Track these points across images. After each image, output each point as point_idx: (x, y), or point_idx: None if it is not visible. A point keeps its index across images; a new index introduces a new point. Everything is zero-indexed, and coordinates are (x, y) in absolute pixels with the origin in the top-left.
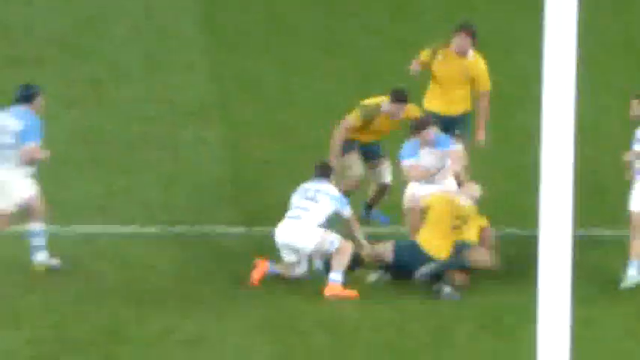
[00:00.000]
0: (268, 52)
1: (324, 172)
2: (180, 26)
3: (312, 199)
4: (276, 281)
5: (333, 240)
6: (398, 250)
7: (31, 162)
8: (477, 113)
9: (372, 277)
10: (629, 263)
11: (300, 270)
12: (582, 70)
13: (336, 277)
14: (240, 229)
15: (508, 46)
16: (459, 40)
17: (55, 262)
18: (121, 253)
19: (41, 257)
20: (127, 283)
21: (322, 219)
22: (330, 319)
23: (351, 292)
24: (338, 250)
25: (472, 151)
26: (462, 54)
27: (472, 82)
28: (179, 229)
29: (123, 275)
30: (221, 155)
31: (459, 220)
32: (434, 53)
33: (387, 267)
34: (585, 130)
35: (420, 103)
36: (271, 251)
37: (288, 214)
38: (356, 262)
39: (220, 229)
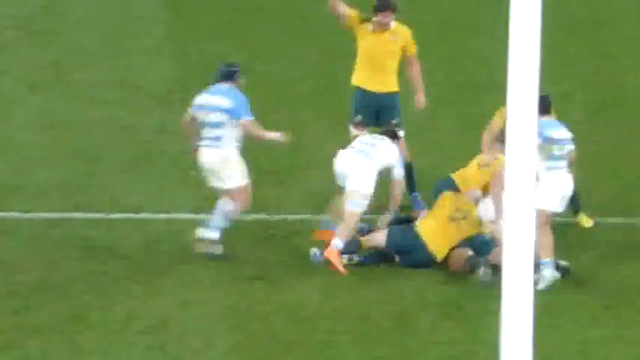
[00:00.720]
0: (232, 34)
1: (391, 134)
2: (143, 8)
3: (373, 145)
4: (239, 268)
5: (362, 200)
6: (391, 235)
7: (258, 137)
8: (412, 79)
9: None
10: (540, 263)
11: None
12: (545, 56)
13: (337, 242)
14: (204, 216)
15: (471, 33)
16: (385, 18)
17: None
18: (84, 239)
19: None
20: (90, 270)
21: (378, 167)
22: (292, 305)
23: (343, 269)
24: (346, 215)
25: (437, 138)
26: (387, 28)
27: (399, 51)
28: (143, 215)
29: (86, 261)
30: (185, 140)
31: (459, 213)
32: (360, 19)
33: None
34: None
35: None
36: (233, 237)
37: (355, 146)
38: (355, 247)
39: (184, 215)
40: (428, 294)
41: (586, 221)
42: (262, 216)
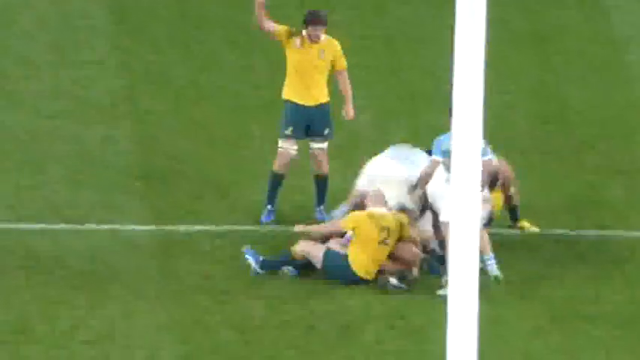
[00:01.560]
0: (178, 45)
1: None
2: (88, 18)
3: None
4: (185, 279)
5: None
6: (327, 258)
7: None
8: (342, 90)
9: (283, 270)
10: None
11: None
12: (490, 66)
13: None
14: (149, 227)
15: (417, 45)
16: (315, 31)
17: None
18: (29, 250)
19: None
20: (35, 280)
21: None
22: (238, 317)
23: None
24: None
25: (384, 149)
26: (317, 41)
27: (329, 65)
28: (88, 226)
29: (31, 272)
30: (130, 151)
31: (384, 233)
32: (288, 33)
33: (300, 265)
34: (493, 126)
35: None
36: (179, 248)
37: None
38: (286, 257)
39: (129, 226)
40: (374, 305)
41: (528, 226)
42: (207, 227)
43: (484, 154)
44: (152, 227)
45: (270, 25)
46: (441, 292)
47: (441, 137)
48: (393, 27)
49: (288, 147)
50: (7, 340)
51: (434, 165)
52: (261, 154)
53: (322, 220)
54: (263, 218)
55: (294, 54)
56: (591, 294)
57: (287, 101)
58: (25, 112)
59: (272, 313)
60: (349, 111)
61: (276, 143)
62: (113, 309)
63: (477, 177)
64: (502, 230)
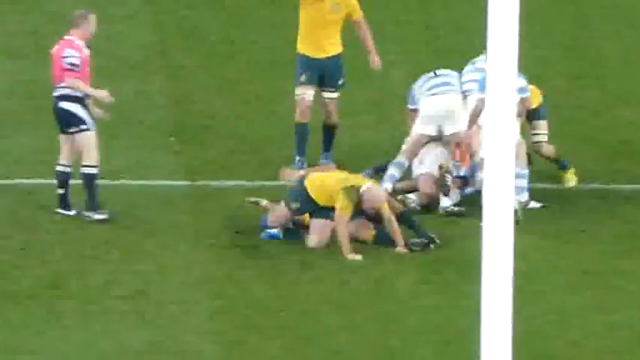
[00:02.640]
0: (210, 1)
1: None
2: None
3: None
4: (217, 234)
5: None
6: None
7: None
8: (363, 40)
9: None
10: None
11: None
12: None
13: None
14: (182, 182)
15: (449, 0)
16: None
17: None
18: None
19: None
20: (69, 236)
21: None
22: (271, 272)
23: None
24: None
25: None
26: None
27: (343, 17)
28: (121, 181)
29: (64, 228)
30: (163, 106)
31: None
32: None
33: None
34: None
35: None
36: (212, 204)
37: None
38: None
39: (163, 181)
40: (406, 260)
41: (571, 179)
42: (240, 182)
43: (522, 92)
44: (185, 182)
45: None
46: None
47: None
48: None
49: (303, 93)
50: (42, 295)
51: (483, 103)
52: (294, 111)
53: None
54: (297, 168)
55: (307, 8)
56: (626, 248)
57: (300, 54)
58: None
59: (305, 268)
60: (375, 60)
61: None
62: (147, 264)
63: (510, 133)
64: (537, 184)
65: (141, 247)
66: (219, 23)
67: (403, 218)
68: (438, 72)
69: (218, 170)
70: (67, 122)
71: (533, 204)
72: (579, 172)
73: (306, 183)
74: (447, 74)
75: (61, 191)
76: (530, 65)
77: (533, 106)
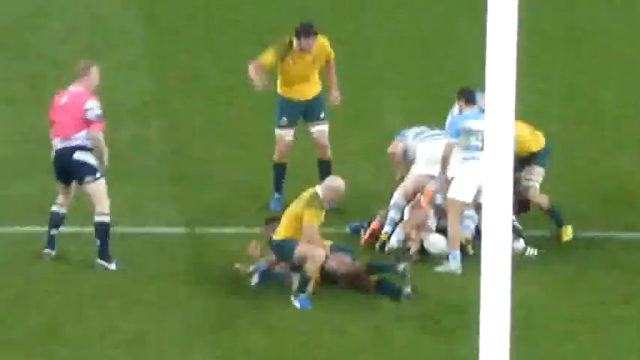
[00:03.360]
0: (208, 47)
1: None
2: (120, 21)
3: None
4: (216, 281)
5: None
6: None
7: None
8: (328, 76)
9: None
10: (450, 253)
11: None
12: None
13: None
14: (180, 229)
15: (448, 46)
16: (309, 42)
17: None
18: (61, 254)
19: None
20: (67, 284)
21: None
22: (269, 320)
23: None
24: None
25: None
26: (309, 50)
27: (322, 63)
28: (119, 228)
29: (62, 275)
30: (161, 153)
31: None
32: (280, 57)
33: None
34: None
35: None
36: (210, 250)
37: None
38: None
39: (161, 229)
40: (405, 307)
41: (566, 235)
42: (239, 229)
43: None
44: (183, 230)
45: (264, 68)
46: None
47: (455, 118)
48: (425, 29)
49: (284, 134)
50: (39, 343)
51: (450, 148)
52: (291, 156)
53: None
54: (272, 205)
55: (288, 67)
56: (623, 296)
57: (280, 96)
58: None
59: (304, 316)
60: (336, 96)
61: (308, 145)
62: (145, 312)
63: (509, 175)
64: (535, 232)
65: (139, 295)
66: (217, 69)
67: (373, 269)
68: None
69: (216, 217)
70: (83, 172)
71: (530, 251)
72: (576, 220)
73: (275, 237)
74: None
75: (53, 232)
76: (528, 111)
77: (533, 149)
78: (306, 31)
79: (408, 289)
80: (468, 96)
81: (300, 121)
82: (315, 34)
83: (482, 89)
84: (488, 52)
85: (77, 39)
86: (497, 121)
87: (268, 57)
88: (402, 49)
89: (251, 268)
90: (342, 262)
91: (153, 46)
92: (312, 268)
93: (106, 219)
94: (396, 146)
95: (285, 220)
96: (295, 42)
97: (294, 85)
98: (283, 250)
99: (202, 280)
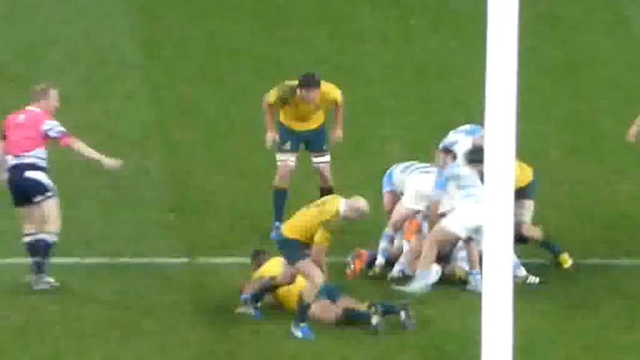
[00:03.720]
0: (208, 77)
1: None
2: (118, 52)
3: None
4: (216, 312)
5: None
6: None
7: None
8: (334, 117)
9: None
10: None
11: None
12: (521, 98)
13: None
14: (182, 259)
15: (447, 74)
16: (310, 94)
17: None
18: (62, 284)
19: None
20: (68, 315)
21: None
22: (271, 349)
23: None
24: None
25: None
26: (310, 102)
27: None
28: (120, 259)
29: (63, 306)
30: (162, 183)
31: None
32: (282, 101)
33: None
34: (524, 157)
35: None
36: (212, 281)
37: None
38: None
39: (162, 259)
40: (407, 334)
41: (565, 261)
42: (240, 259)
43: None
44: (184, 260)
45: (273, 109)
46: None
47: (440, 170)
48: (423, 57)
49: (286, 159)
50: None
51: (436, 206)
52: (293, 185)
53: None
54: (273, 235)
55: (290, 109)
56: (625, 323)
57: (282, 124)
58: (57, 146)
59: (305, 345)
60: (338, 135)
61: (309, 174)
62: (146, 343)
63: (509, 202)
64: (535, 260)
65: (140, 326)
66: (217, 99)
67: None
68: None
69: (217, 246)
70: (34, 191)
71: (532, 279)
72: (577, 247)
73: (282, 230)
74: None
75: (40, 259)
76: (529, 139)
77: (522, 184)
78: (306, 85)
79: (375, 320)
80: (454, 153)
81: (302, 148)
82: (317, 87)
83: (481, 122)
84: (487, 82)
85: (76, 70)
86: (498, 149)
87: (273, 97)
88: (401, 79)
89: (241, 302)
90: (325, 310)
91: (152, 76)
92: (309, 294)
93: (51, 238)
94: (387, 201)
95: (297, 220)
96: (298, 90)
97: (297, 121)
98: (290, 248)
99: (203, 310)
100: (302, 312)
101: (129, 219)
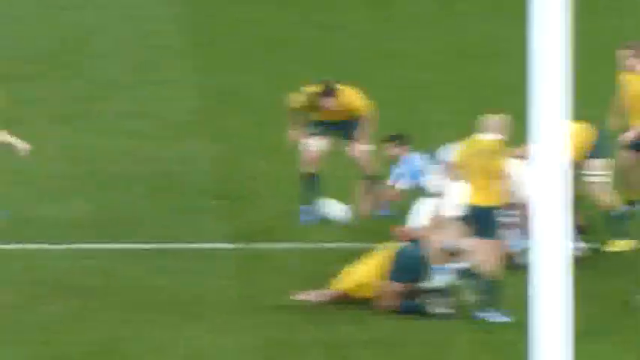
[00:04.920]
0: (256, 64)
1: None
2: (166, 38)
3: None
4: (276, 297)
5: None
6: None
7: None
8: (358, 129)
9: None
10: None
11: None
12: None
13: None
14: (230, 245)
15: (490, 57)
16: (327, 102)
17: None
18: (115, 270)
19: None
20: (122, 300)
21: None
22: (325, 334)
23: None
24: None
25: None
26: (330, 109)
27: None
28: (170, 245)
29: (117, 292)
30: (208, 170)
31: None
32: (309, 102)
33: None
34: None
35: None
36: (261, 266)
37: None
38: None
39: (210, 244)
40: (459, 320)
41: (616, 245)
42: (289, 245)
43: None
44: (233, 245)
45: (291, 115)
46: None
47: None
48: (466, 37)
49: (310, 142)
50: (95, 359)
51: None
52: (338, 173)
53: None
54: (302, 218)
55: (315, 113)
56: None
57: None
58: (107, 133)
59: (360, 329)
60: (361, 150)
61: (352, 163)
62: (201, 328)
63: (562, 198)
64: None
65: (194, 311)
66: (262, 85)
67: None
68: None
69: (264, 232)
70: None
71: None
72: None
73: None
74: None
75: None
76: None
77: (588, 147)
78: (323, 92)
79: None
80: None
81: (334, 137)
82: (330, 96)
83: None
84: (533, 63)
85: (125, 57)
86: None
87: (296, 103)
88: (449, 63)
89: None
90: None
91: (200, 63)
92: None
93: None
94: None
95: (473, 180)
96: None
97: (325, 118)
98: (487, 218)
99: (261, 295)
100: (492, 293)
101: (175, 205)
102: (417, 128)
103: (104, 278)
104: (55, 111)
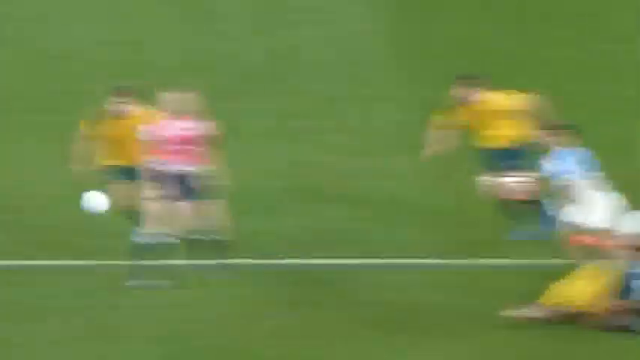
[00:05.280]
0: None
1: None
2: (369, 53)
3: None
4: (488, 316)
5: None
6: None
7: None
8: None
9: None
10: None
11: None
12: None
13: None
14: (438, 261)
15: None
16: (462, 92)
17: None
18: (321, 284)
19: None
20: (347, 317)
21: None
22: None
23: None
24: None
25: None
26: (468, 102)
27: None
28: (392, 261)
29: (347, 308)
30: (416, 186)
31: None
32: (448, 120)
33: None
34: None
35: None
36: (480, 283)
37: None
38: None
39: (429, 260)
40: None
41: None
42: (505, 262)
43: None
44: (441, 261)
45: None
46: None
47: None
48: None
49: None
50: None
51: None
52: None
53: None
54: (511, 236)
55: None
56: None
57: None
58: (324, 149)
59: (593, 346)
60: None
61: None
62: (431, 347)
63: None
64: None
65: (424, 330)
66: None
67: None
68: None
69: (486, 248)
70: None
71: None
72: None
73: None
74: None
75: None
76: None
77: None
78: (458, 82)
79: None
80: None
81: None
82: (468, 85)
83: None
84: None
85: (329, 74)
86: None
87: (439, 123)
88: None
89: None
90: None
91: (402, 77)
92: None
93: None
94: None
95: None
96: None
97: (473, 132)
98: None
99: (478, 313)
100: None
101: (387, 220)
102: (624, 143)
103: (309, 293)
104: (270, 127)
